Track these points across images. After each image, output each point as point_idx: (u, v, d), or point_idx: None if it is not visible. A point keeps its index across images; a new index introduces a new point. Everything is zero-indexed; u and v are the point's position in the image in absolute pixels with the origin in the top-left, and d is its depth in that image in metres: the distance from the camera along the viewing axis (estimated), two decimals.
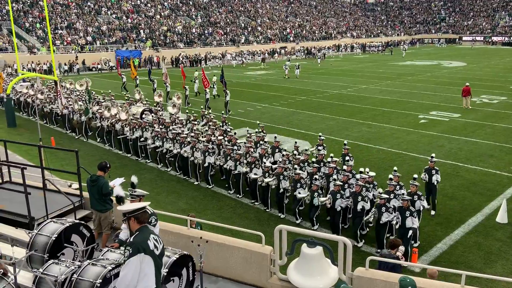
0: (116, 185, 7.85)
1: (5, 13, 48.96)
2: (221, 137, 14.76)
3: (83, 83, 25.37)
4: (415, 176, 10.50)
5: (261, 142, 14.30)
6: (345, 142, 14.29)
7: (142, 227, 4.49)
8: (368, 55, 66.93)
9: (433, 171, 11.43)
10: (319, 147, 13.69)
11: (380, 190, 10.34)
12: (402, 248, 7.52)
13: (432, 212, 11.44)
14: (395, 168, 11.16)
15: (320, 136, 14.32)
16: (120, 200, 6.25)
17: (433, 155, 11.91)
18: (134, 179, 6.19)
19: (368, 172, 11.02)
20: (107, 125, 17.91)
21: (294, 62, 45.19)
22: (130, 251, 4.28)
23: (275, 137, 14.71)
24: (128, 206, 4.67)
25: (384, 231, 9.51)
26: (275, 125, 21.07)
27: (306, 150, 13.56)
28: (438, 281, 6.05)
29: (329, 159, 12.26)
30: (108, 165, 7.95)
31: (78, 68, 46.23)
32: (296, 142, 14.05)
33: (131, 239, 4.42)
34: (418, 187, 10.06)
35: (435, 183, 11.39)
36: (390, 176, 10.62)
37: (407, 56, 60.93)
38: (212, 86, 27.78)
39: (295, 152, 13.01)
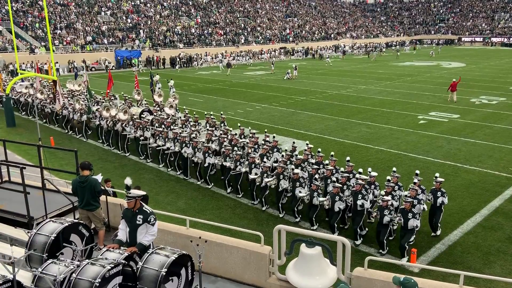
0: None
1: (4, 12, 48.90)
2: (224, 136, 14.83)
3: (80, 83, 25.29)
4: (415, 180, 10.47)
5: (263, 141, 14.33)
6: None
7: None
8: (363, 56, 66.85)
9: (439, 193, 10.19)
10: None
11: (383, 192, 10.27)
12: None
13: (438, 232, 10.39)
14: (394, 168, 11.17)
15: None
16: None
17: (437, 174, 10.73)
18: (128, 181, 6.12)
19: (370, 172, 11.01)
20: (106, 124, 17.91)
21: (291, 63, 45.10)
22: None
23: (274, 136, 14.71)
24: None
25: (385, 232, 9.50)
26: (275, 125, 21.08)
27: (305, 149, 13.48)
28: (437, 281, 6.06)
29: (327, 162, 12.22)
30: (91, 164, 7.94)
31: (76, 67, 46.21)
32: (294, 142, 14.05)
33: None
34: (417, 191, 10.02)
35: (438, 204, 10.15)
36: (388, 177, 10.62)
37: (405, 56, 60.86)
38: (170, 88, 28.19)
39: (296, 153, 12.96)
